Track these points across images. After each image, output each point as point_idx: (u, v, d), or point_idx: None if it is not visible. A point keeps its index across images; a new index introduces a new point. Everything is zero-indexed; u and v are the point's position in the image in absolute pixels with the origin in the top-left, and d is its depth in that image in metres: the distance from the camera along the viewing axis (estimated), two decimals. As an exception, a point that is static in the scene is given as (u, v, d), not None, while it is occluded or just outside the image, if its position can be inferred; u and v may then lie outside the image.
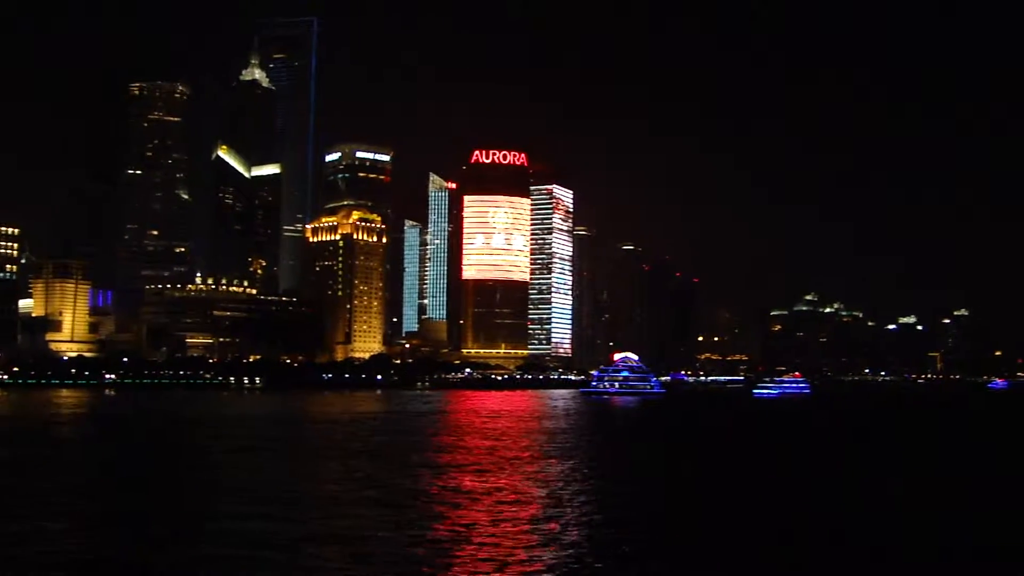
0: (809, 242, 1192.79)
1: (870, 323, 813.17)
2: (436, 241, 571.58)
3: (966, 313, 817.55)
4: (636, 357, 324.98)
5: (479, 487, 62.30)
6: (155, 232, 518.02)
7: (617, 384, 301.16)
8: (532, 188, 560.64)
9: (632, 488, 65.23)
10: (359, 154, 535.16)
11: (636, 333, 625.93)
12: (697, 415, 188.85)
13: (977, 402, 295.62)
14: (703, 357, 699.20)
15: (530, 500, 57.26)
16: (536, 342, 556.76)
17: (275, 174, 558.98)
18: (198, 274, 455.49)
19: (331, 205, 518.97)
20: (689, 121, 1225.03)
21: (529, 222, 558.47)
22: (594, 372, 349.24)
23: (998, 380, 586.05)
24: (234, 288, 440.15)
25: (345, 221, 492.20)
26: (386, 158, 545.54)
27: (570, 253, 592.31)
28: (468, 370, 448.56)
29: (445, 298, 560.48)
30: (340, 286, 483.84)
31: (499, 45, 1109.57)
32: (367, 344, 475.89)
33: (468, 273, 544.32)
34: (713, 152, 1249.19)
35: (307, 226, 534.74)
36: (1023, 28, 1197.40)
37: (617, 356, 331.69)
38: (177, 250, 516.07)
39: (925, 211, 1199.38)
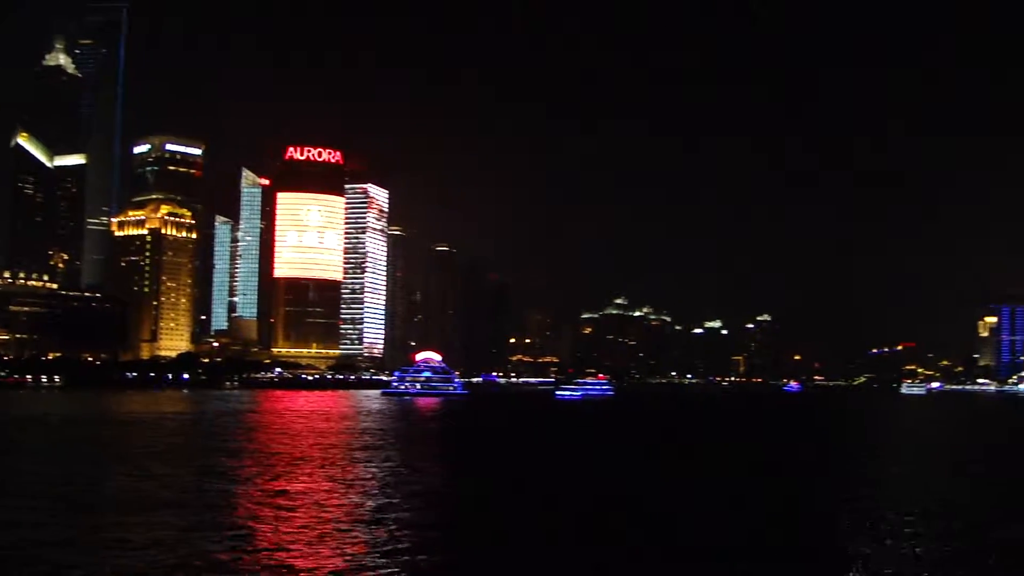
0: (622, 246, 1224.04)
1: (677, 327, 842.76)
2: (248, 238, 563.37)
3: (768, 319, 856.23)
4: (439, 358, 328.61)
5: (277, 488, 62.79)
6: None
7: (419, 385, 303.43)
8: (347, 187, 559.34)
9: (425, 489, 65.84)
10: (169, 147, 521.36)
11: (449, 334, 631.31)
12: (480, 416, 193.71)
13: (758, 404, 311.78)
14: (515, 359, 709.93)
15: (327, 502, 57.54)
16: (348, 342, 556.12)
17: (80, 164, 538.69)
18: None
19: (139, 198, 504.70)
20: (512, 123, 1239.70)
21: (343, 221, 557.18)
22: (395, 372, 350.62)
23: (792, 383, 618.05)
24: (33, 282, 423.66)
25: (153, 215, 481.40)
26: (197, 152, 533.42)
27: (384, 253, 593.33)
28: (278, 370, 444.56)
29: (256, 296, 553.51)
30: (147, 282, 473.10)
31: (319, 40, 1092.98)
32: (174, 342, 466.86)
33: (280, 271, 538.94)
34: (532, 154, 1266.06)
35: (113, 219, 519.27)
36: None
37: (419, 356, 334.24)
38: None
39: (731, 218, 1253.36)
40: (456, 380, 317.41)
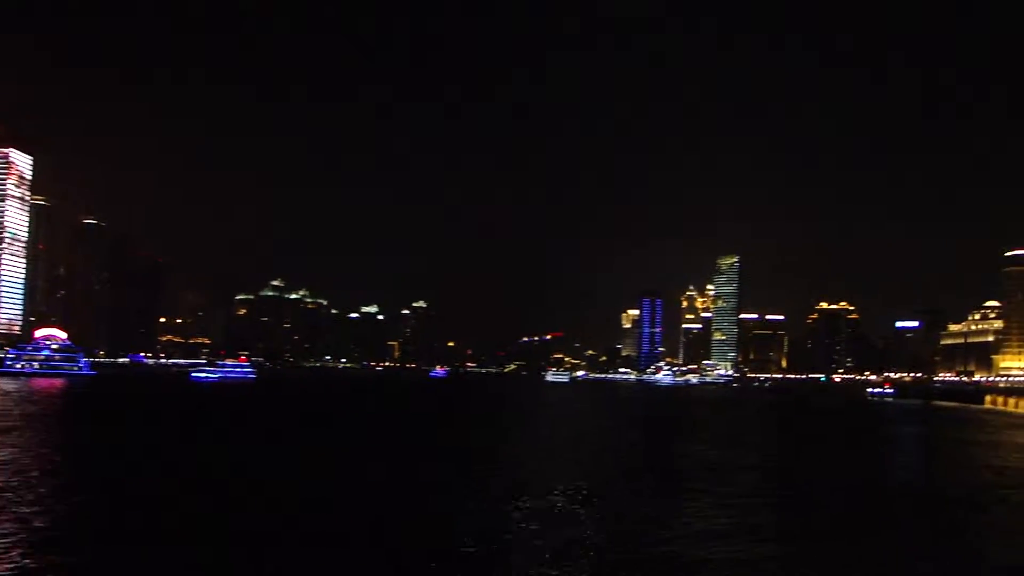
0: (288, 229, 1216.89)
1: (334, 311, 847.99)
2: None
3: (424, 305, 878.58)
4: (64, 335, 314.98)
5: None
6: None
7: (37, 364, 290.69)
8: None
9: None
10: None
11: (94, 311, 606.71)
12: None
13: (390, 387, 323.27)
14: (165, 339, 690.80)
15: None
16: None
17: None
18: None
19: None
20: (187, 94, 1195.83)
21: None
22: (10, 350, 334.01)
23: (439, 370, 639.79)
24: None
25: None
26: None
27: (25, 223, 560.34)
28: None
29: None
30: None
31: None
32: None
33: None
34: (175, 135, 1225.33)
35: None
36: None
37: (39, 333, 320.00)
38: None
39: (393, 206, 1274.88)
40: (82, 360, 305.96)
